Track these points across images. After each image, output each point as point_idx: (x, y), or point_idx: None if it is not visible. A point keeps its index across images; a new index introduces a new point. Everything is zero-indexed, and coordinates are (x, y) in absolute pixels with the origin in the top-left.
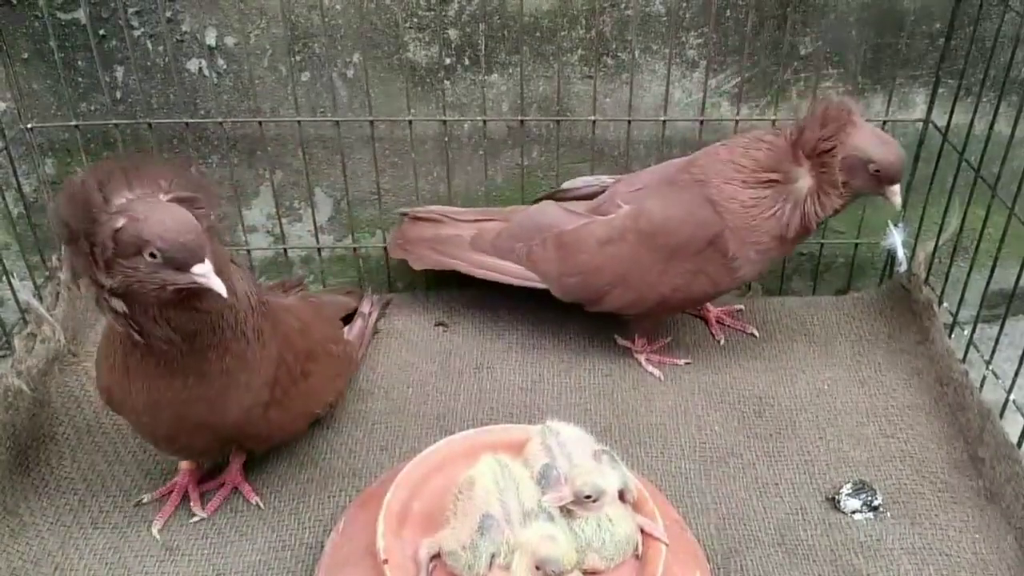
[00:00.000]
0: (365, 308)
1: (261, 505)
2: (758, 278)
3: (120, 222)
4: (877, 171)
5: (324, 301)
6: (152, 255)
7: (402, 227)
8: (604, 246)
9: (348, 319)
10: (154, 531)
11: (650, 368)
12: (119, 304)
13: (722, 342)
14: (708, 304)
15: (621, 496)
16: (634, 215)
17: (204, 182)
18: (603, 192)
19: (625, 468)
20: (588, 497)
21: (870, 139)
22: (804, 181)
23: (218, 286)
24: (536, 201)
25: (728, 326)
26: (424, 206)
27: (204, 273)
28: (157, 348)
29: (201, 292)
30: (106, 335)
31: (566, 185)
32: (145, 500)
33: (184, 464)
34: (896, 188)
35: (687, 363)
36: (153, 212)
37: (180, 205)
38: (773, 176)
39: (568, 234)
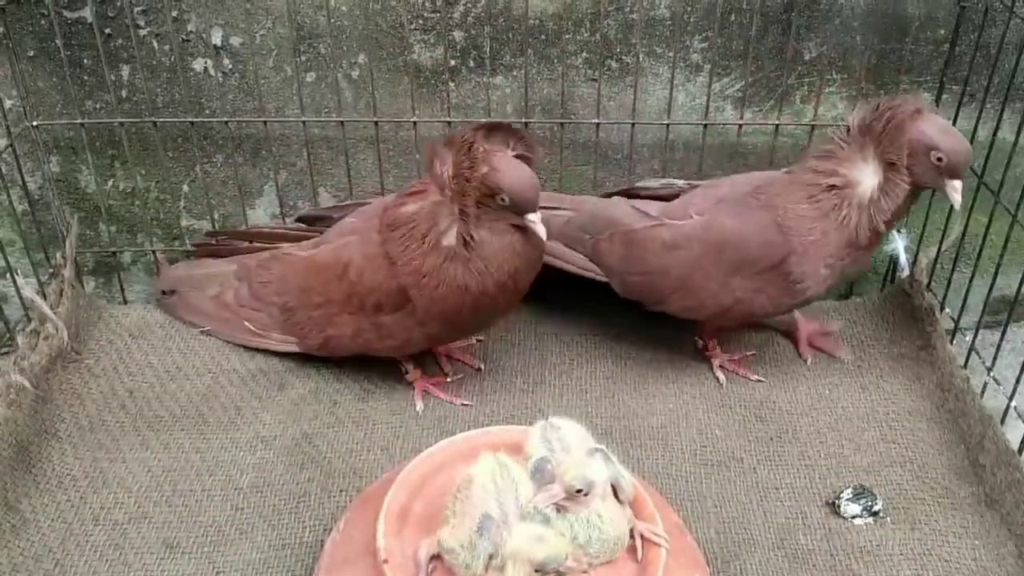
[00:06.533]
0: None
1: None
2: (826, 294)
3: (485, 169)
4: (939, 160)
5: None
6: (503, 200)
7: None
8: (671, 251)
9: None
10: (418, 408)
11: (719, 374)
12: (466, 226)
13: (808, 362)
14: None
15: (616, 495)
16: (704, 225)
17: (535, 141)
18: (676, 196)
19: (623, 468)
20: (579, 491)
21: (937, 127)
22: (869, 181)
23: (542, 232)
24: (608, 195)
25: (819, 348)
26: None
27: (534, 220)
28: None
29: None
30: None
31: (640, 184)
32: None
33: (416, 372)
34: (957, 184)
35: (759, 380)
36: (509, 168)
37: (523, 161)
38: (834, 181)
39: (637, 233)
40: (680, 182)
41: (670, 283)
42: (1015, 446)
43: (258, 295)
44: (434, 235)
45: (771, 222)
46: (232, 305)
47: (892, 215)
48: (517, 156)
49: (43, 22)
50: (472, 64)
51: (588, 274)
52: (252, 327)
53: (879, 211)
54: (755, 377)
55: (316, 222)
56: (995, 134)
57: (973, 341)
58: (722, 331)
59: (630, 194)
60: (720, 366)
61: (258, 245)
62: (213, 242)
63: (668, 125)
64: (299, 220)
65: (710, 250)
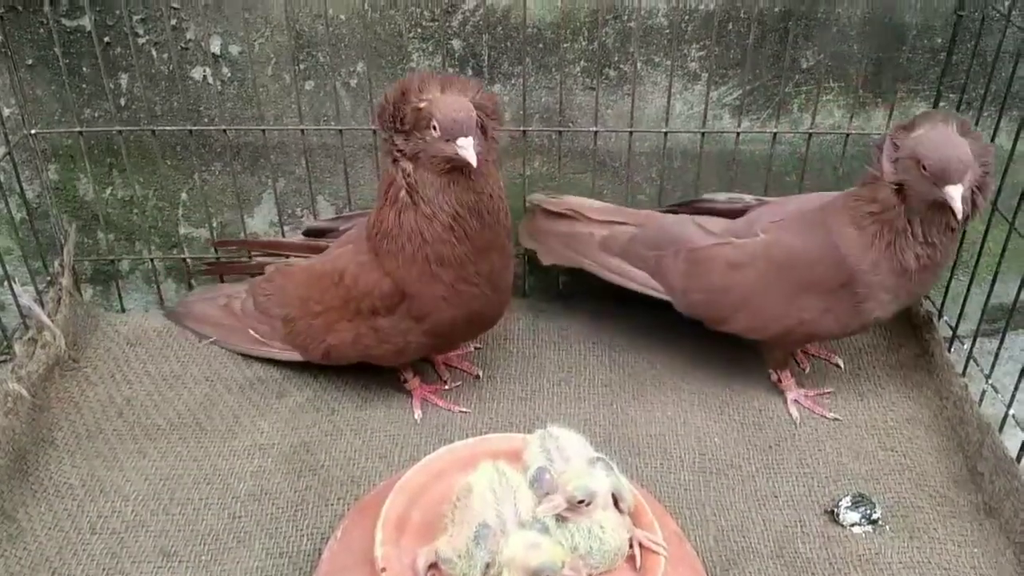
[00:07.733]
0: None
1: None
2: (892, 318)
3: (422, 104)
4: (924, 168)
5: None
6: (434, 127)
7: (534, 218)
8: (735, 270)
9: None
10: (416, 416)
11: (792, 410)
12: (408, 166)
13: (807, 370)
14: None
15: (617, 505)
16: (769, 244)
17: (497, 101)
18: (743, 212)
19: (623, 478)
20: (581, 502)
21: (922, 138)
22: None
23: (469, 156)
24: (671, 207)
25: (814, 354)
26: (554, 196)
27: (463, 145)
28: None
29: (472, 172)
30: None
31: (706, 196)
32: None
33: (415, 380)
34: (950, 189)
35: (836, 419)
36: (441, 97)
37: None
38: (872, 208)
39: (701, 251)
40: (748, 197)
41: (734, 302)
42: (1013, 454)
43: (262, 308)
44: (394, 190)
45: (832, 243)
46: (238, 314)
47: (915, 238)
48: (474, 103)
49: (42, 30)
50: (470, 72)
51: (649, 292)
52: (256, 335)
53: (907, 238)
54: (832, 415)
55: (323, 235)
56: (992, 142)
57: (971, 349)
58: (786, 353)
59: (694, 207)
60: (795, 400)
61: (259, 260)
62: (219, 257)
63: (666, 133)
64: (306, 233)
65: (775, 268)
